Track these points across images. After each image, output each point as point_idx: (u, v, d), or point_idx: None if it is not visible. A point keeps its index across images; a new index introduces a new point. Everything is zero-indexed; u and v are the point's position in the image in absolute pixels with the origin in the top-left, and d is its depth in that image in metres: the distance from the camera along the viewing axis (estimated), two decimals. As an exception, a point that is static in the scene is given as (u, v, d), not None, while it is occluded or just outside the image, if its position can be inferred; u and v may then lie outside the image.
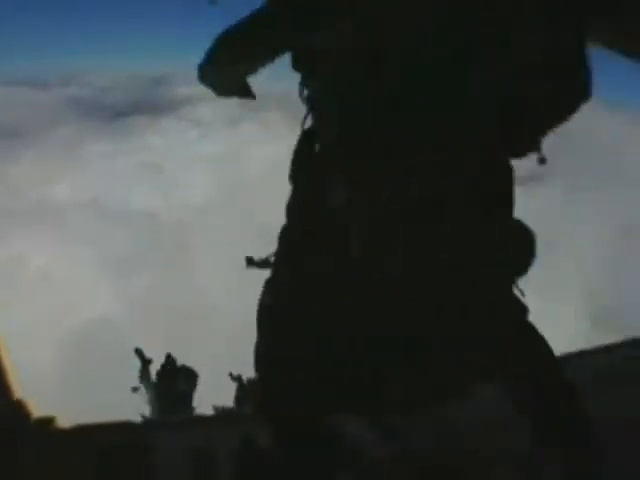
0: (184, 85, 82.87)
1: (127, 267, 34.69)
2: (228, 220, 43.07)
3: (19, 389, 3.44)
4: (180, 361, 13.44)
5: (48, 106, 77.53)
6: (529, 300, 1.87)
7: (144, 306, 30.32)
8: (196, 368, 12.83)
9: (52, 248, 38.05)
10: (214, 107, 73.55)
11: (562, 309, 30.92)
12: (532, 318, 1.94)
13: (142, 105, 75.35)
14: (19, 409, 3.42)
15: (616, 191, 40.32)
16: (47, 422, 3.48)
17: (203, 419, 4.12)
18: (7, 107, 73.46)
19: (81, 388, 19.99)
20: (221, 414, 4.79)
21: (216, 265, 35.23)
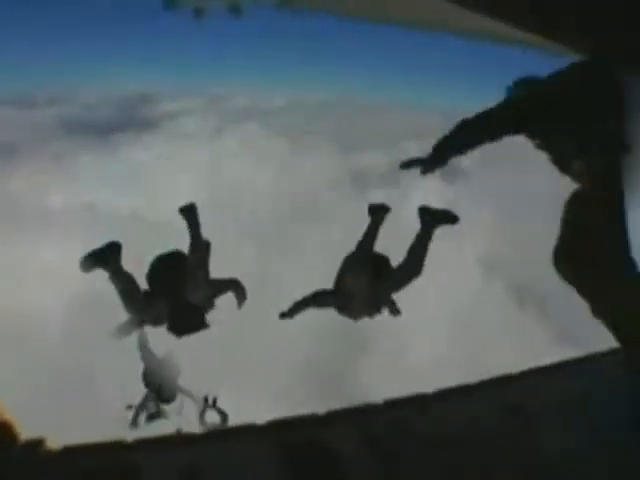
0: (167, 102, 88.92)
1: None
2: (209, 222, 48.40)
3: (5, 411, 3.51)
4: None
5: (38, 125, 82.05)
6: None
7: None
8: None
9: (51, 249, 42.85)
10: (196, 121, 79.66)
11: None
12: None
13: (128, 121, 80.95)
14: (6, 431, 3.54)
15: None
16: (35, 444, 3.57)
17: (189, 437, 4.03)
18: None
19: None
20: (209, 431, 4.68)
21: None
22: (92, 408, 26.09)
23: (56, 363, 29.51)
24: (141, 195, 54.91)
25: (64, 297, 34.52)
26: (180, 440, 4.01)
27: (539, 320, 35.20)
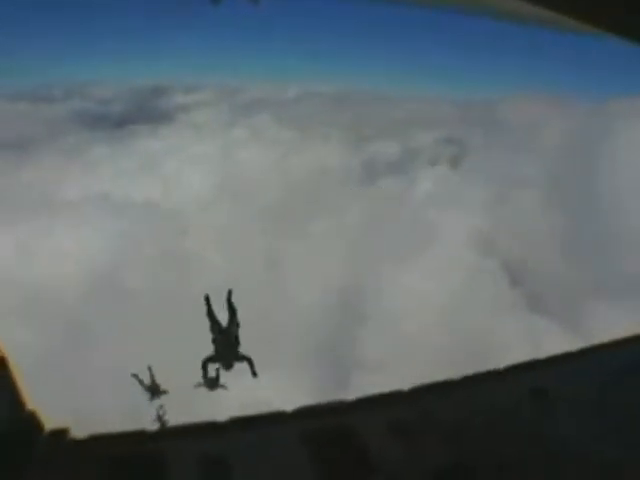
0: (181, 94, 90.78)
1: (134, 244, 41.57)
2: (222, 210, 50.59)
3: (29, 400, 3.61)
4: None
5: (54, 118, 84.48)
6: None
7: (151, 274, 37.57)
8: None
9: (66, 234, 44.71)
10: (209, 113, 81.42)
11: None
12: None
13: (142, 113, 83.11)
14: (32, 420, 3.62)
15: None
16: (61, 433, 3.67)
17: (214, 425, 3.93)
18: (15, 121, 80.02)
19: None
20: (235, 418, 4.35)
21: (207, 245, 43.23)
22: (98, 365, 28.41)
23: (69, 326, 31.73)
24: (155, 185, 56.70)
25: (77, 276, 36.45)
26: (205, 428, 3.96)
27: (530, 298, 36.27)
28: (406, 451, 3.66)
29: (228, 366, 7.76)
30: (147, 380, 23.26)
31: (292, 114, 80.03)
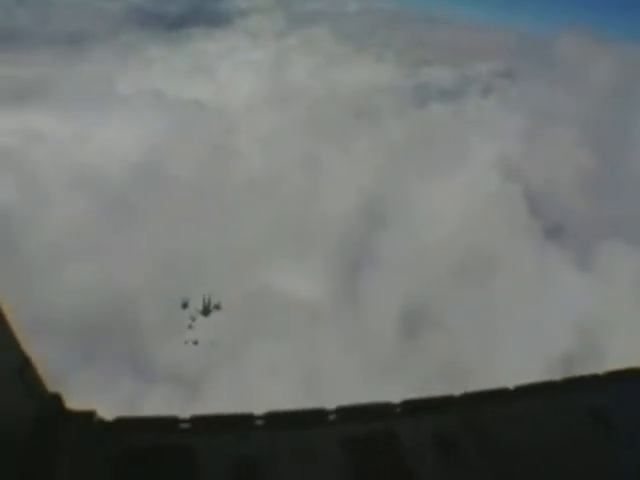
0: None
1: (182, 138, 43.66)
2: (268, 113, 51.93)
3: (51, 383, 3.54)
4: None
5: (111, 14, 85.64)
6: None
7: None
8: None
9: (117, 127, 46.92)
10: (266, 20, 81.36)
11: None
12: None
13: (199, 15, 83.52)
14: (56, 403, 3.59)
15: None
16: (86, 416, 3.65)
17: (248, 419, 3.77)
18: (72, 15, 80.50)
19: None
20: (271, 413, 4.05)
21: (251, 143, 45.05)
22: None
23: (114, 203, 34.53)
24: (206, 85, 58.09)
25: (126, 161, 39.04)
26: (239, 421, 3.84)
27: (547, 229, 37.28)
28: (451, 468, 3.56)
29: None
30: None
31: (349, 29, 79.31)
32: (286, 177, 40.40)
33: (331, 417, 3.92)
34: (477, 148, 42.29)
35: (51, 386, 3.54)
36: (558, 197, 39.16)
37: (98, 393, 21.94)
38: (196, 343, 28.07)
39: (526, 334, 26.32)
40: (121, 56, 67.69)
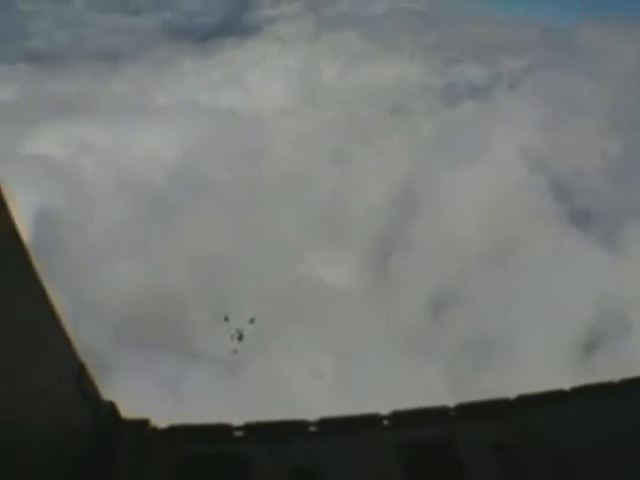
0: (268, 7, 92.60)
1: (218, 143, 45.86)
2: (300, 116, 53.93)
3: (106, 392, 3.58)
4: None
5: (142, 31, 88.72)
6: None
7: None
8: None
9: (155, 136, 49.30)
10: (294, 27, 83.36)
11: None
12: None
13: (229, 26, 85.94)
14: (112, 411, 3.65)
15: None
16: (141, 424, 3.72)
17: (305, 426, 3.77)
18: (104, 33, 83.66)
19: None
20: (327, 419, 3.91)
21: (285, 145, 47.09)
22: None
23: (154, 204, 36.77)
24: (239, 93, 60.29)
25: (166, 166, 41.46)
26: (292, 428, 3.85)
27: (572, 215, 38.09)
28: (509, 474, 3.54)
29: None
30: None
31: (378, 30, 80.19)
32: (319, 174, 42.22)
33: (385, 422, 3.90)
34: (503, 140, 43.34)
35: (105, 394, 3.57)
36: (584, 183, 39.94)
37: (144, 378, 23.92)
38: (240, 338, 28.75)
39: (550, 311, 27.29)
40: (156, 70, 70.34)
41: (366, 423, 3.87)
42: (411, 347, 27.08)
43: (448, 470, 3.53)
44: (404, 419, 3.86)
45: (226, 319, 28.53)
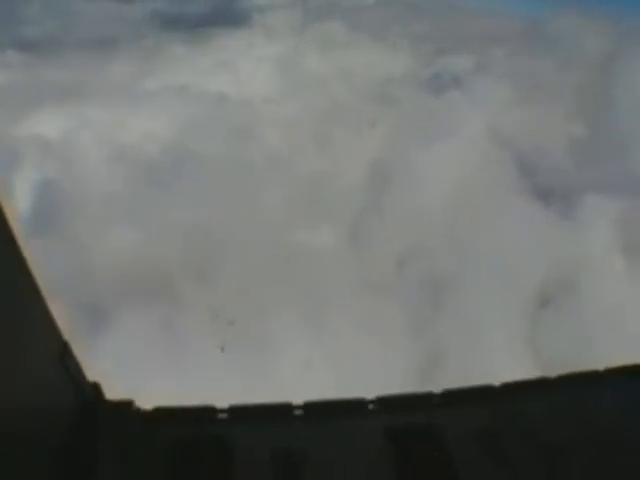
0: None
1: (207, 124, 48.98)
2: (286, 104, 57.09)
3: (91, 373, 3.55)
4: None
5: (133, 19, 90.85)
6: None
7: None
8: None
9: (148, 116, 52.19)
10: (282, 16, 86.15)
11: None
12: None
13: (219, 15, 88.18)
14: (96, 391, 3.63)
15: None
16: (125, 405, 3.73)
17: (291, 410, 3.83)
18: (96, 21, 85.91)
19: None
20: (311, 403, 3.88)
21: (271, 129, 50.47)
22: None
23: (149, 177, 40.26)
24: (228, 80, 63.13)
25: (158, 143, 44.80)
26: (278, 411, 3.90)
27: (535, 189, 41.91)
28: (493, 459, 3.60)
29: None
30: None
31: (365, 21, 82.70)
32: (302, 156, 45.54)
33: (370, 407, 3.97)
34: (475, 120, 47.06)
35: (89, 374, 3.55)
36: (548, 162, 43.61)
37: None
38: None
39: (509, 268, 31.01)
40: (146, 57, 72.76)
41: (351, 407, 3.98)
42: (377, 293, 31.49)
43: (433, 455, 3.63)
44: (389, 404, 3.98)
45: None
